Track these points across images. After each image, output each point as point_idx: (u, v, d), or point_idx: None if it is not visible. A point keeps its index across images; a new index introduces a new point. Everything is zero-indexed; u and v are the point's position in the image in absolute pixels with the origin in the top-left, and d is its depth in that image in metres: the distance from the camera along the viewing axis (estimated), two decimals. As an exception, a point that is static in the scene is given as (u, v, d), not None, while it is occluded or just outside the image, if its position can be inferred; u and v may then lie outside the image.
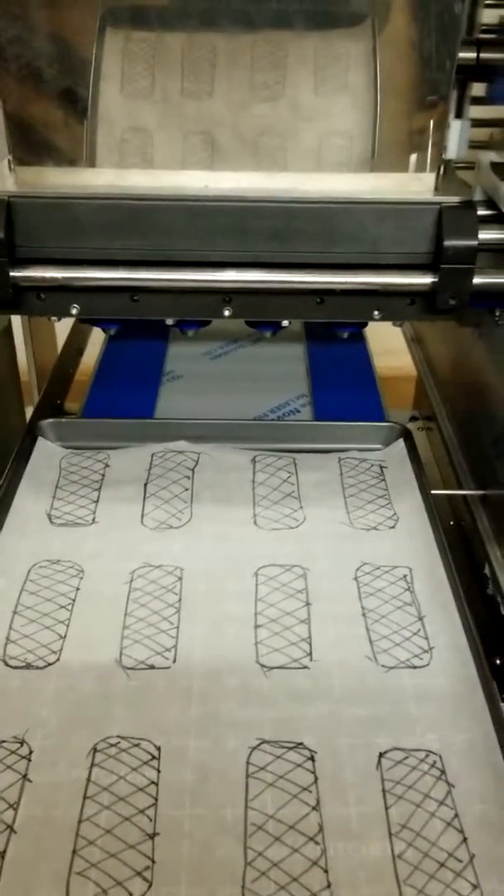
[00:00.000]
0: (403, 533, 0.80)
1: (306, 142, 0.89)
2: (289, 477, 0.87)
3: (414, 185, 0.85)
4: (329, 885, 0.52)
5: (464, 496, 0.94)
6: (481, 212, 0.90)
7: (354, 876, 0.53)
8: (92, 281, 0.85)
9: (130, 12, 0.83)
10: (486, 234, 0.86)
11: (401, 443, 0.91)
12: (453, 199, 0.84)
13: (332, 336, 1.07)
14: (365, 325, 1.05)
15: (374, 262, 0.85)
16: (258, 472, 0.88)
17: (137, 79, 0.89)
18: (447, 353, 1.22)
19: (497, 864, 0.54)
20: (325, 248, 0.85)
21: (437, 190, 0.85)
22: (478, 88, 1.09)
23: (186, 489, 0.86)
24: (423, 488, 0.84)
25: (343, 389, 1.02)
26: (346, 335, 1.04)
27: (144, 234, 0.84)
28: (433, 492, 0.85)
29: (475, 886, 0.52)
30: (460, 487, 0.97)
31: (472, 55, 1.02)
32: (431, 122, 0.85)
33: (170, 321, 0.92)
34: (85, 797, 0.57)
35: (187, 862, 0.53)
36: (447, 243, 0.82)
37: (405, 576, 0.75)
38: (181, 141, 0.89)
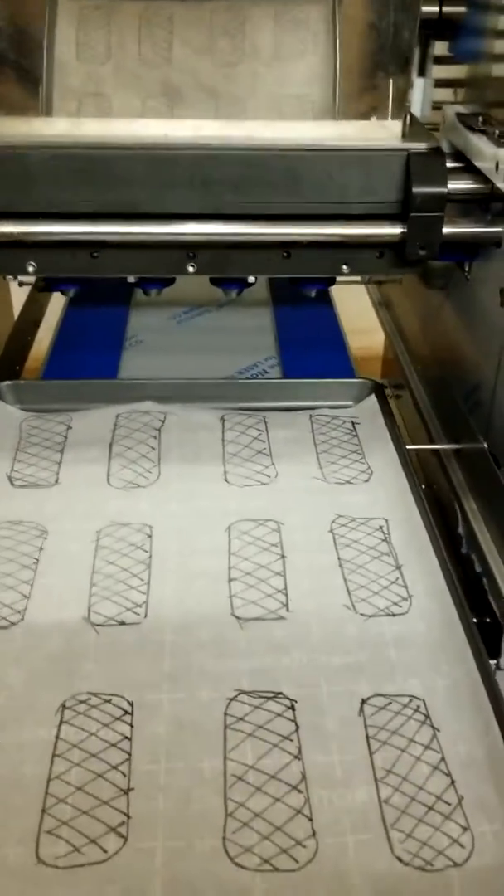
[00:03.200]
0: (378, 486, 0.78)
1: (268, 89, 0.86)
2: (259, 434, 0.85)
3: (380, 132, 0.83)
4: (314, 834, 0.50)
5: (437, 452, 0.93)
6: (451, 163, 0.89)
7: (340, 823, 0.50)
8: (48, 236, 0.81)
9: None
10: (452, 185, 0.85)
11: (373, 398, 0.89)
12: (421, 146, 0.82)
13: (298, 298, 1.05)
14: (332, 282, 1.04)
15: (340, 212, 0.83)
16: (227, 431, 0.85)
17: (95, 34, 0.86)
18: (415, 316, 1.21)
19: (486, 805, 0.52)
20: (290, 199, 0.82)
21: (404, 137, 0.83)
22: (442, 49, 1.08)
23: (154, 449, 0.83)
24: (397, 442, 0.82)
25: (311, 349, 1.00)
26: (313, 293, 1.02)
27: (102, 186, 0.81)
28: (408, 447, 0.83)
29: (465, 828, 0.50)
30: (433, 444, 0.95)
31: (435, 9, 1.01)
32: (396, 67, 0.83)
33: (132, 279, 0.89)
34: (54, 755, 0.54)
35: (164, 815, 0.50)
36: (416, 190, 0.80)
37: (381, 527, 0.73)
38: (140, 89, 0.86)
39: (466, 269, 0.93)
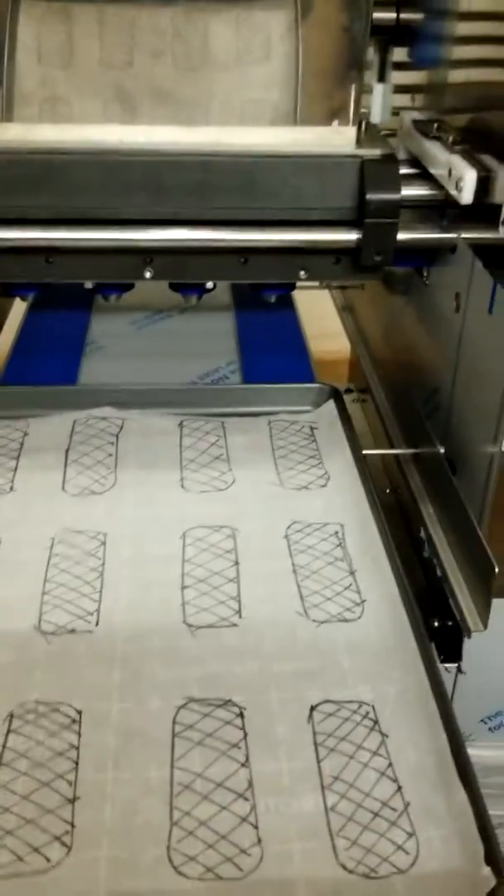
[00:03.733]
0: (334, 491, 0.79)
1: (228, 96, 0.86)
2: (217, 440, 0.85)
3: (335, 138, 0.84)
4: (259, 841, 0.50)
5: (396, 457, 0.93)
6: (403, 170, 0.89)
7: (286, 831, 0.51)
8: (2, 242, 0.81)
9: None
10: (408, 191, 0.86)
11: (331, 404, 0.89)
12: (375, 153, 0.82)
13: (260, 303, 1.05)
14: (292, 287, 1.04)
15: (297, 217, 0.84)
16: (185, 437, 0.85)
17: (55, 37, 0.86)
18: (377, 321, 1.21)
19: (432, 811, 0.52)
20: (246, 204, 0.83)
21: (358, 143, 0.83)
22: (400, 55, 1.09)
23: (110, 455, 0.83)
24: (355, 447, 0.83)
25: (272, 354, 1.00)
26: (273, 299, 1.02)
27: (58, 191, 0.80)
28: (365, 451, 0.83)
29: (410, 835, 0.51)
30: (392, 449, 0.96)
31: (392, 15, 1.01)
32: (350, 75, 0.84)
33: (89, 284, 0.89)
34: (0, 764, 0.53)
35: (109, 825, 0.50)
36: (370, 197, 0.81)
37: (336, 532, 0.73)
38: (100, 98, 0.86)
39: (425, 274, 0.94)
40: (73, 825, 0.50)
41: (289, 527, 0.74)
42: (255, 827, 0.51)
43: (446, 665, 0.89)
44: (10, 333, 1.05)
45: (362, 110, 1.23)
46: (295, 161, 0.82)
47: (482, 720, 0.94)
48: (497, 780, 0.99)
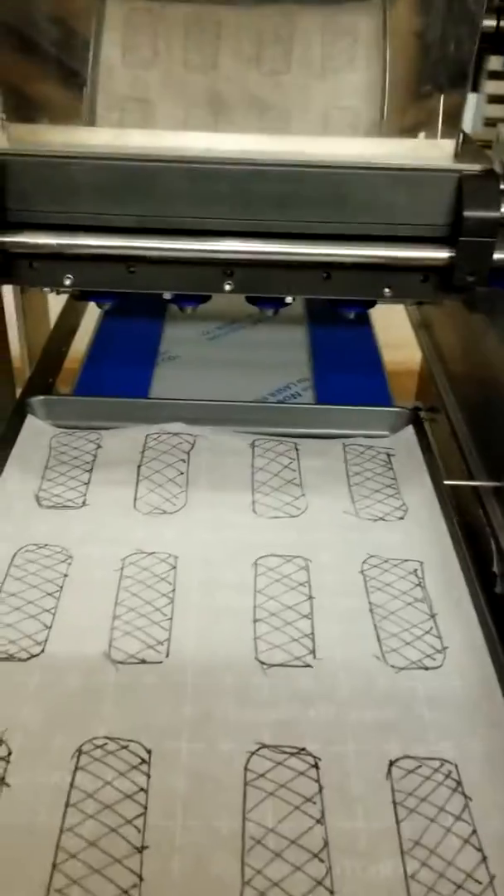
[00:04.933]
0: (413, 524, 0.75)
1: (315, 103, 0.83)
2: (290, 463, 0.82)
3: (431, 151, 0.80)
4: None
5: (475, 488, 0.89)
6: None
7: None
8: (87, 249, 0.79)
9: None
10: (505, 209, 0.81)
11: (409, 429, 0.86)
12: (474, 168, 0.78)
13: (335, 318, 1.02)
14: (373, 304, 1.00)
15: (386, 233, 0.80)
16: (257, 457, 0.82)
17: (141, 38, 0.84)
18: (457, 340, 1.17)
19: None
20: (333, 218, 0.79)
21: (456, 157, 0.79)
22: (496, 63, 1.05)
23: (182, 473, 0.80)
24: (436, 477, 0.79)
25: (347, 373, 0.96)
26: (352, 315, 0.99)
27: (143, 198, 0.78)
28: (445, 482, 0.79)
29: None
30: (472, 478, 0.92)
31: (493, 23, 0.97)
32: (451, 84, 0.80)
33: (167, 295, 0.87)
34: (67, 804, 0.52)
35: (178, 879, 0.48)
36: (467, 214, 0.77)
37: (416, 570, 0.70)
38: (185, 101, 0.83)
39: (513, 294, 0.90)
40: (140, 877, 0.48)
41: (365, 561, 0.71)
42: (331, 892, 0.48)
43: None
44: (82, 341, 1.04)
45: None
46: (389, 174, 0.78)
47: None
48: None
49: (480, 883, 0.49)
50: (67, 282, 0.82)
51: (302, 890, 0.48)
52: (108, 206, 0.78)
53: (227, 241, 0.80)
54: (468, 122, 1.14)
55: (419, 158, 0.79)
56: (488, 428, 0.97)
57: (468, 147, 0.82)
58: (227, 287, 0.83)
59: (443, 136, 0.80)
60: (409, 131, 0.81)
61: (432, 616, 0.66)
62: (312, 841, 0.50)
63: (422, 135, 0.81)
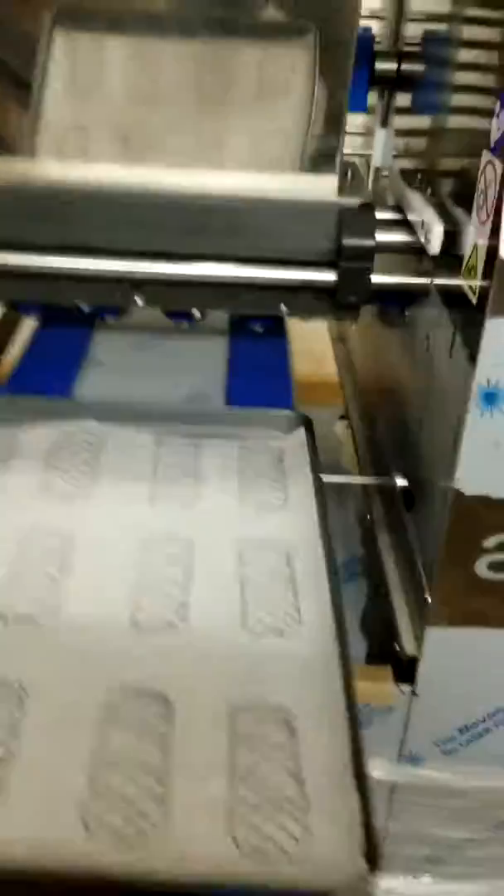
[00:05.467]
0: (291, 514, 0.84)
1: (222, 141, 0.93)
2: (190, 459, 0.92)
3: (319, 186, 0.90)
4: (166, 815, 0.56)
5: (363, 486, 0.99)
6: (391, 215, 0.96)
7: (192, 811, 0.56)
8: (15, 267, 0.89)
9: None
10: (389, 237, 0.92)
11: (301, 431, 0.96)
12: (353, 201, 0.89)
13: (254, 331, 1.12)
14: (277, 319, 1.11)
15: (280, 257, 0.90)
16: (162, 454, 0.92)
17: (83, 69, 0.93)
18: (364, 352, 1.28)
19: (332, 811, 0.57)
20: (233, 243, 0.90)
21: (339, 192, 0.90)
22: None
23: (88, 464, 0.90)
24: (316, 473, 0.89)
25: (256, 381, 1.06)
26: (259, 328, 1.10)
27: (64, 223, 0.88)
28: (325, 478, 0.89)
29: (307, 829, 0.56)
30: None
31: (393, 66, 1.08)
32: (334, 127, 0.90)
33: (86, 308, 0.97)
34: None
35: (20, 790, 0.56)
36: (345, 242, 0.87)
37: (287, 552, 0.79)
38: (120, 131, 0.93)
39: (407, 312, 1.00)
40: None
41: (242, 542, 0.80)
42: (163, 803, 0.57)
43: (401, 686, 0.95)
44: (19, 348, 1.14)
45: (366, 153, 1.30)
46: (279, 207, 0.89)
47: (435, 743, 0.99)
48: (448, 802, 1.04)
49: (299, 807, 0.57)
50: (-1, 296, 0.92)
51: (145, 804, 0.57)
52: (33, 229, 0.88)
53: (138, 262, 0.90)
54: (378, 156, 1.25)
55: (308, 192, 0.90)
56: (382, 431, 1.08)
57: (355, 181, 0.92)
58: (139, 302, 0.93)
59: (330, 171, 0.91)
60: (304, 169, 0.91)
61: (295, 592, 0.75)
62: (155, 765, 0.59)
63: (317, 166, 0.91)
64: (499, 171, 0.68)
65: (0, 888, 0.52)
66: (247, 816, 0.55)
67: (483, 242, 0.70)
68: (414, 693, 0.94)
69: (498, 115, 0.70)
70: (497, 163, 0.68)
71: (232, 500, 0.86)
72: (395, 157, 1.19)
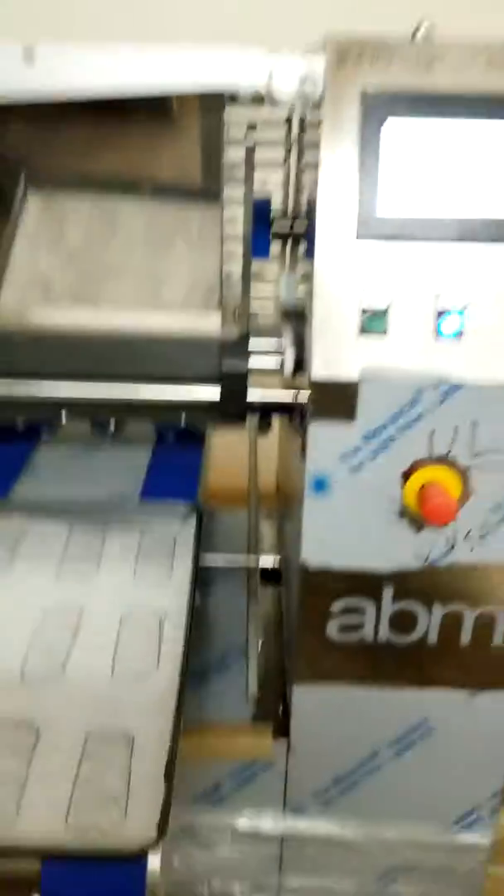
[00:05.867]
0: (171, 587, 1.02)
1: (138, 287, 1.17)
2: (97, 544, 1.10)
3: (207, 323, 1.13)
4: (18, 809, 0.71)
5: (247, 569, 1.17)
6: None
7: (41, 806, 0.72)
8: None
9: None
10: (262, 361, 1.13)
11: (193, 519, 1.14)
12: (233, 334, 1.11)
13: (174, 439, 1.33)
14: (189, 428, 1.31)
15: (179, 375, 1.12)
16: (72, 540, 1.11)
17: (47, 226, 1.18)
18: (280, 457, 1.47)
19: (146, 800, 0.72)
20: (141, 368, 1.11)
21: (222, 328, 1.12)
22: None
23: (10, 550, 1.08)
24: (196, 555, 1.07)
25: (168, 481, 1.26)
26: (172, 437, 1.31)
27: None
28: (207, 558, 1.07)
29: (124, 814, 0.71)
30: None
31: (288, 224, 1.33)
32: (221, 277, 1.14)
33: (19, 423, 1.18)
34: None
35: None
36: (224, 368, 1.09)
37: (159, 616, 0.97)
38: (67, 273, 1.16)
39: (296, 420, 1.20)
40: None
41: (126, 608, 0.97)
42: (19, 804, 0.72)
43: (279, 741, 1.09)
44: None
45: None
46: (176, 341, 1.10)
47: (314, 795, 1.12)
48: (334, 853, 1.14)
49: (124, 802, 0.73)
50: None
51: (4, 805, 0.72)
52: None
53: (60, 384, 1.11)
54: (283, 295, 1.49)
55: (198, 327, 1.12)
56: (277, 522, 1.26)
57: (237, 317, 1.15)
58: (63, 419, 1.14)
59: (216, 310, 1.13)
60: (199, 309, 1.14)
61: (159, 643, 0.92)
62: (18, 775, 0.75)
63: (207, 306, 1.14)
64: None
65: None
66: (81, 809, 0.71)
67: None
68: (290, 747, 1.08)
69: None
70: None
71: (126, 575, 1.04)
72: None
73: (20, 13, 1.34)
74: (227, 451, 1.48)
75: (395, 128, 0.84)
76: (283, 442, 1.41)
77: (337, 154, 0.85)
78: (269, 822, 1.11)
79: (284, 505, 1.26)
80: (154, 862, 0.66)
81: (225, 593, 1.19)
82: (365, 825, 1.12)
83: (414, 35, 0.88)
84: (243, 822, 1.10)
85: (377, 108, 0.84)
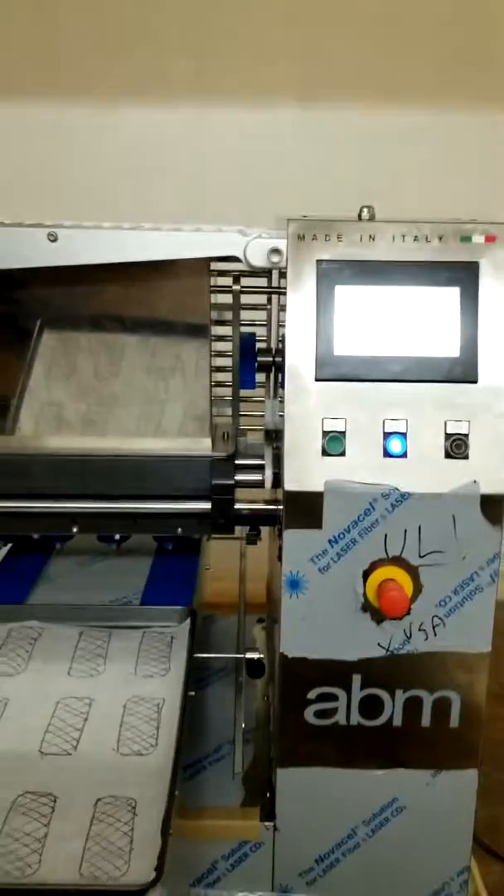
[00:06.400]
0: (170, 679, 1.15)
1: (136, 416, 1.35)
2: (103, 644, 1.24)
3: (198, 444, 1.31)
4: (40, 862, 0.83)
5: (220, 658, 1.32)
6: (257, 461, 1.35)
7: (59, 859, 0.84)
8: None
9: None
10: (247, 477, 1.30)
11: (188, 621, 1.29)
12: (221, 454, 1.29)
13: (172, 549, 1.49)
14: (182, 537, 1.47)
15: (175, 492, 1.28)
16: (82, 641, 1.25)
17: (60, 358, 1.38)
18: (269, 560, 1.62)
19: (146, 853, 0.83)
20: (141, 486, 1.28)
21: (212, 448, 1.30)
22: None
23: (27, 651, 1.22)
24: (190, 651, 1.21)
25: (168, 585, 1.41)
26: (170, 547, 1.47)
27: (14, 477, 1.28)
28: (196, 655, 1.21)
29: (128, 864, 0.83)
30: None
31: (270, 359, 1.53)
32: (211, 408, 1.33)
33: (36, 536, 1.34)
34: None
35: None
36: (214, 483, 1.26)
37: (158, 704, 1.10)
38: (49, 408, 1.36)
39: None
40: None
41: (129, 699, 1.11)
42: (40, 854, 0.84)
43: (265, 823, 1.20)
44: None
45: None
46: (172, 461, 1.28)
47: (300, 874, 1.21)
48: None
49: (124, 851, 0.85)
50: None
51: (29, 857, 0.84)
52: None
53: (69, 502, 1.28)
54: (268, 419, 1.68)
55: (190, 449, 1.30)
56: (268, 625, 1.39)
57: (226, 440, 1.33)
58: (74, 529, 1.31)
59: (207, 435, 1.32)
60: (191, 434, 1.33)
61: (157, 728, 1.05)
62: (40, 833, 0.87)
63: (198, 432, 1.32)
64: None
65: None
66: (92, 861, 0.84)
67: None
68: (276, 828, 1.18)
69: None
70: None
71: (129, 670, 1.18)
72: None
73: (44, 200, 1.64)
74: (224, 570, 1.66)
75: (344, 290, 1.04)
76: (270, 551, 1.56)
77: (299, 311, 1.06)
78: (258, 903, 1.20)
79: (271, 605, 1.40)
80: (153, 900, 0.78)
81: (219, 692, 1.32)
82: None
83: (360, 215, 1.10)
84: (236, 902, 1.19)
85: (329, 274, 1.05)
